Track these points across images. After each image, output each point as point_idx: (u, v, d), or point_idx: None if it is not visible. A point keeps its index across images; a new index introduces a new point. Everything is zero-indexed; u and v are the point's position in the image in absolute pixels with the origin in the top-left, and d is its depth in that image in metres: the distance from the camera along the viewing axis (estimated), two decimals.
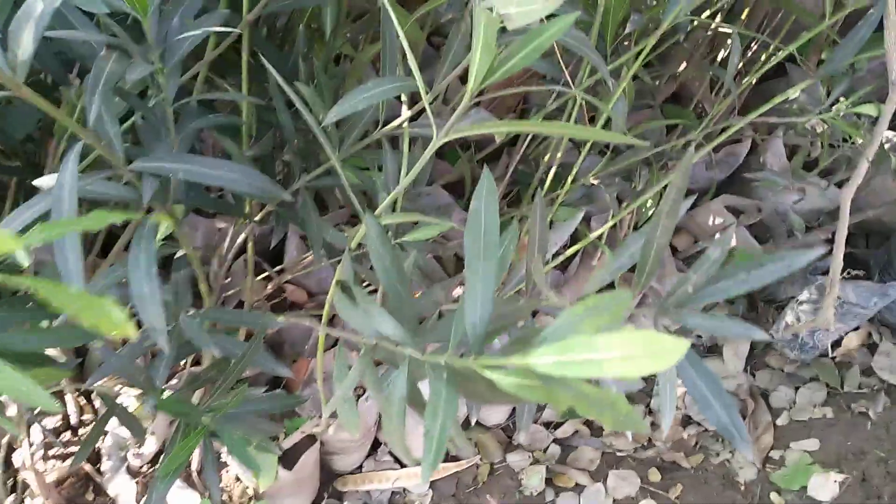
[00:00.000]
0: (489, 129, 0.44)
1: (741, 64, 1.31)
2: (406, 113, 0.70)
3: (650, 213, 1.07)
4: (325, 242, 0.79)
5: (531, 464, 1.25)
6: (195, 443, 0.63)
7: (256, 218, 0.79)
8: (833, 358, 1.40)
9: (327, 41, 0.83)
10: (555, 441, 1.30)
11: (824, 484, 1.13)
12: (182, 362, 1.06)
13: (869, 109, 0.95)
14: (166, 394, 0.77)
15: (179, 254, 0.81)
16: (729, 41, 1.28)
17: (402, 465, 1.25)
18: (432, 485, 1.23)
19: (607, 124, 0.90)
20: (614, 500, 1.19)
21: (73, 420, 1.09)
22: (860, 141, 1.43)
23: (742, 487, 1.18)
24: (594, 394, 0.38)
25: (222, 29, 0.62)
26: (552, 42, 0.42)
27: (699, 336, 1.43)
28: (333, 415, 1.09)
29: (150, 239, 0.59)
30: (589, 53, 0.67)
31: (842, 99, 1.02)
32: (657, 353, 0.36)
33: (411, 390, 0.45)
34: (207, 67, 0.75)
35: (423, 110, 0.69)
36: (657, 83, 1.29)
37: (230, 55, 0.78)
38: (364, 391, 1.14)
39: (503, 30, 0.44)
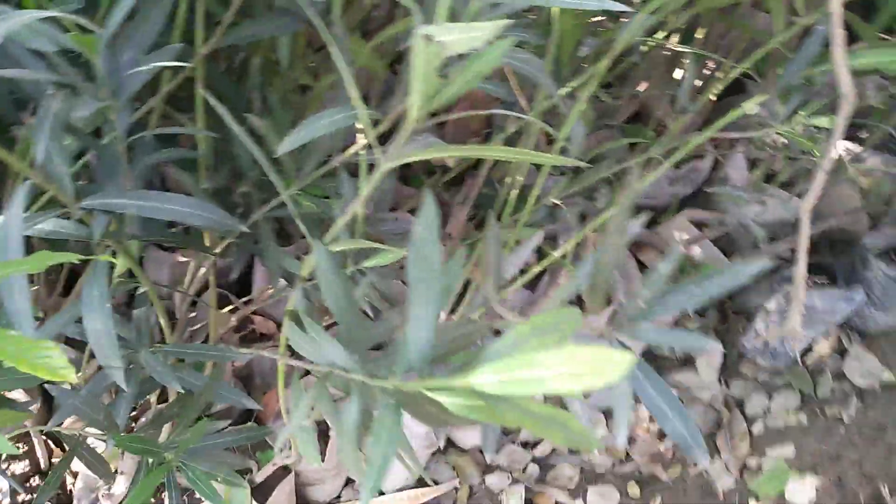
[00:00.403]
0: (432, 154, 0.44)
1: (701, 82, 1.34)
2: (362, 140, 0.70)
3: None
4: (286, 272, 0.79)
5: (510, 484, 1.24)
6: (157, 480, 0.62)
7: (216, 250, 0.79)
8: (805, 365, 1.41)
9: (284, 73, 0.83)
10: (533, 460, 1.29)
11: (801, 488, 1.14)
12: (152, 400, 1.05)
13: (823, 122, 0.97)
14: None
15: (141, 291, 0.80)
16: (687, 60, 1.30)
17: (381, 493, 1.23)
18: None
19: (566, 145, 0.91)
20: None
21: (43, 465, 1.07)
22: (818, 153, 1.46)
23: (721, 497, 1.18)
24: (541, 412, 0.38)
25: (175, 63, 0.62)
26: (492, 67, 0.43)
27: (672, 348, 1.44)
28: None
29: (102, 275, 0.58)
30: (540, 77, 0.68)
31: (800, 112, 1.04)
32: (602, 367, 0.36)
33: (364, 416, 0.44)
34: (164, 102, 0.75)
35: (383, 136, 0.70)
36: (618, 103, 1.31)
37: (189, 89, 0.78)
38: None
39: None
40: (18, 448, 0.88)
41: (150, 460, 0.64)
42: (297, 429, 0.51)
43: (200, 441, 0.69)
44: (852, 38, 0.98)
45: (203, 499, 1.03)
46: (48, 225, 0.61)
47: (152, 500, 1.03)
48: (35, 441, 1.01)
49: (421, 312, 0.38)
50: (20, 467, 1.07)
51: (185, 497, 1.04)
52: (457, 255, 0.47)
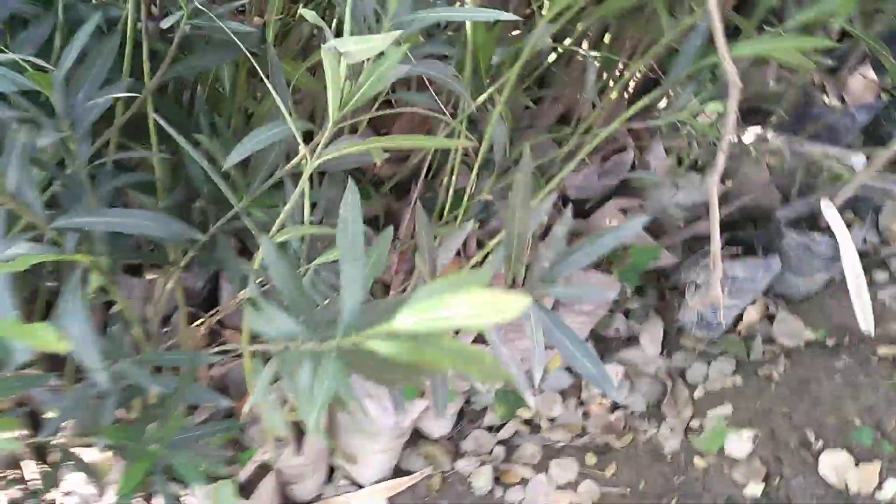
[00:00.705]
0: (351, 149, 0.51)
1: (614, 82, 1.43)
2: (302, 151, 0.77)
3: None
4: (245, 279, 0.84)
5: (479, 466, 1.30)
6: (142, 468, 0.66)
7: (181, 264, 0.84)
8: (738, 332, 1.50)
9: (228, 99, 0.89)
10: (499, 443, 1.35)
11: (739, 442, 1.21)
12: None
13: (715, 107, 1.05)
14: None
15: (116, 308, 0.85)
16: (615, 63, 1.39)
17: (360, 487, 1.28)
18: (389, 500, 1.27)
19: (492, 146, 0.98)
20: (557, 487, 1.24)
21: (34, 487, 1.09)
22: (741, 141, 1.57)
23: (668, 458, 1.25)
24: (457, 348, 0.44)
25: (126, 94, 0.68)
26: (391, 72, 0.49)
27: (617, 329, 1.51)
28: (280, 441, 1.12)
29: (78, 286, 0.63)
30: (453, 84, 0.75)
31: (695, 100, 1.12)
32: (500, 308, 0.43)
33: (315, 376, 0.50)
34: (120, 133, 0.80)
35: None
36: (543, 106, 1.39)
37: (143, 122, 0.83)
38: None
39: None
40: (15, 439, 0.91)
41: (135, 453, 0.69)
42: (262, 398, 0.56)
43: (181, 434, 0.74)
44: (735, 32, 1.07)
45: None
46: (22, 248, 0.66)
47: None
48: (28, 465, 1.04)
49: (351, 277, 0.45)
50: (14, 492, 1.10)
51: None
52: (383, 234, 0.54)
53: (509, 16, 0.67)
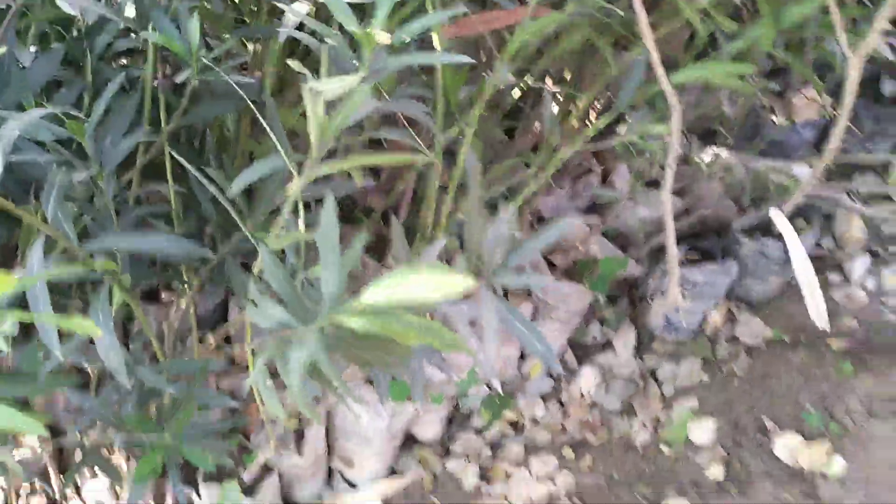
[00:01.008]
0: (332, 168, 0.61)
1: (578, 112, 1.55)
2: (296, 181, 0.87)
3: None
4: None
5: (467, 465, 1.38)
6: (158, 456, 0.75)
7: (195, 284, 0.94)
8: (705, 334, 1.59)
9: (233, 143, 1.01)
10: (485, 444, 1.44)
11: (702, 430, 1.30)
12: None
13: (659, 129, 1.16)
14: None
15: (135, 330, 0.95)
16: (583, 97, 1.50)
17: (354, 486, 1.36)
18: (384, 501, 1.35)
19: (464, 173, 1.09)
20: (537, 478, 1.32)
21: (58, 499, 1.18)
22: (696, 159, 1.68)
23: (640, 450, 1.34)
24: (419, 322, 0.54)
25: (146, 139, 0.78)
26: (357, 108, 0.60)
27: (594, 336, 1.60)
28: (282, 440, 1.21)
29: (105, 299, 0.73)
30: (424, 119, 0.86)
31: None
32: (447, 286, 0.53)
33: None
34: (141, 174, 0.91)
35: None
36: (515, 137, 1.50)
37: (159, 168, 0.94)
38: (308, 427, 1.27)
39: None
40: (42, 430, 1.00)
41: (151, 443, 0.78)
42: (262, 384, 0.65)
43: (191, 426, 0.83)
44: (676, 65, 1.18)
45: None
46: (58, 268, 0.76)
47: None
48: (50, 469, 1.13)
49: (329, 268, 0.55)
50: (37, 502, 1.18)
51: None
52: (359, 234, 0.64)
53: (467, 59, 0.78)
